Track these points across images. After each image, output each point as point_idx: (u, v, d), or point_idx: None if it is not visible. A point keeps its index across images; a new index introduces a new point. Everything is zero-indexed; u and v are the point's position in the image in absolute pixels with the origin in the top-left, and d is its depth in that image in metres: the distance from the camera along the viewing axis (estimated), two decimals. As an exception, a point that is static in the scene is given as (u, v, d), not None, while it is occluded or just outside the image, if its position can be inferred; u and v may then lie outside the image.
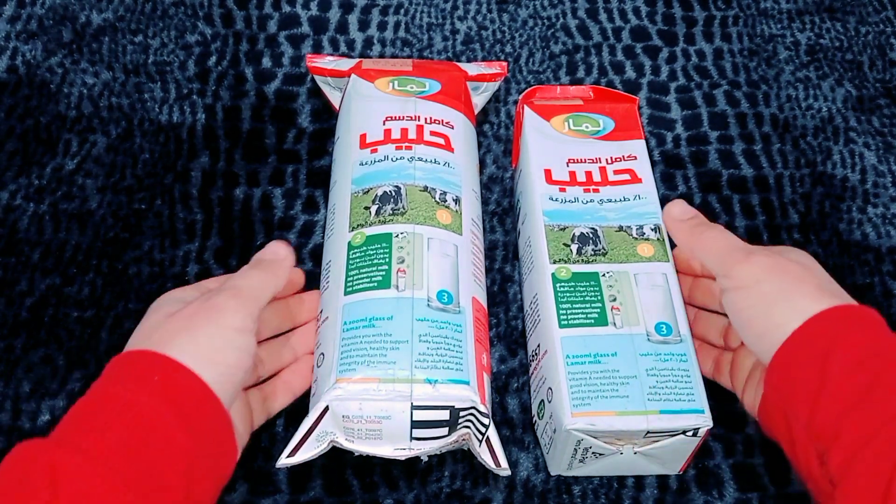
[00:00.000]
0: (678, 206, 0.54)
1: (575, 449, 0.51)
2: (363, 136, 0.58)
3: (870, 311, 0.45)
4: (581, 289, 0.54)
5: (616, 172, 0.60)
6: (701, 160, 0.70)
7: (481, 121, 0.71)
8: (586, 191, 0.59)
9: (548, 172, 0.60)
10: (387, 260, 0.52)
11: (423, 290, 0.51)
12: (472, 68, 0.67)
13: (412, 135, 0.58)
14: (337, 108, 0.66)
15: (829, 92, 0.74)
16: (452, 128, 0.60)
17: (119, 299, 0.61)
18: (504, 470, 0.50)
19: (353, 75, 0.63)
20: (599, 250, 0.56)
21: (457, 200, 0.56)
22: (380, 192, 0.55)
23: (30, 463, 0.39)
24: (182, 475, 0.41)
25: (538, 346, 0.54)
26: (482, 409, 0.49)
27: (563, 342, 0.52)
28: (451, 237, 0.54)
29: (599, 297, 0.53)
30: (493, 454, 0.50)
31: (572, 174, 0.60)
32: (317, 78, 0.68)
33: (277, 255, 0.52)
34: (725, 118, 0.72)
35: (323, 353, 0.51)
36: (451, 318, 0.51)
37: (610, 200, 0.58)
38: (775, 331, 0.45)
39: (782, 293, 0.46)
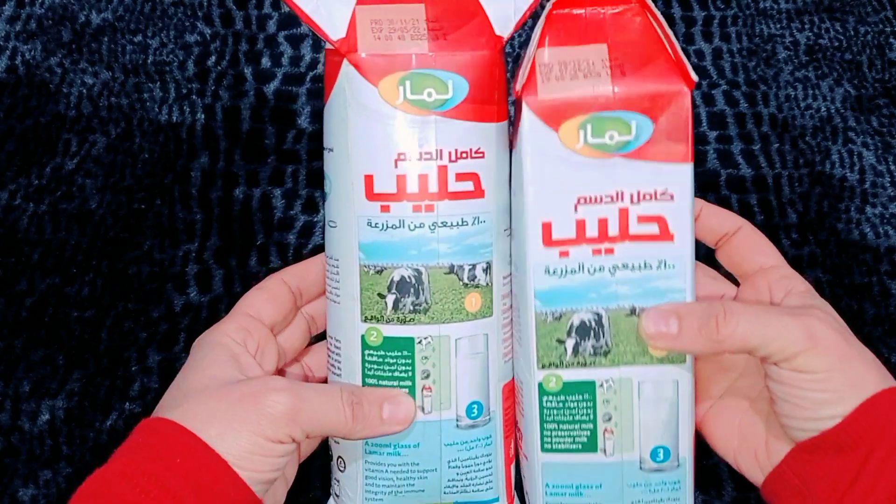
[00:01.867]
0: (650, 319, 0.43)
1: None
2: (369, 180, 0.45)
3: None
4: (571, 405, 0.45)
5: (641, 220, 0.44)
6: (699, 160, 0.70)
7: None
8: (596, 252, 0.44)
9: (547, 228, 0.44)
10: (409, 374, 0.45)
11: (452, 409, 0.46)
12: (502, 15, 0.47)
13: (433, 186, 0.45)
14: (314, 24, 0.47)
15: (828, 92, 0.75)
16: (483, 156, 0.46)
17: (119, 299, 0.61)
18: None
19: (345, 64, 0.46)
20: (601, 347, 0.45)
21: (487, 269, 0.47)
22: (397, 277, 0.46)
23: None
24: None
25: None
26: None
27: (544, 469, 0.46)
28: (480, 327, 0.46)
29: (592, 418, 0.45)
30: None
31: (580, 225, 0.44)
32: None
33: (392, 417, 0.44)
34: (724, 118, 0.72)
35: (342, 458, 0.47)
36: (480, 432, 0.47)
37: (625, 266, 0.44)
38: (825, 412, 0.41)
39: (849, 384, 0.41)
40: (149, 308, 0.61)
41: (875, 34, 0.79)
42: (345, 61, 0.46)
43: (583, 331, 0.45)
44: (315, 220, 0.66)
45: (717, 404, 0.47)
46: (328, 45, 0.47)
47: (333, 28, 0.46)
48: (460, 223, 0.46)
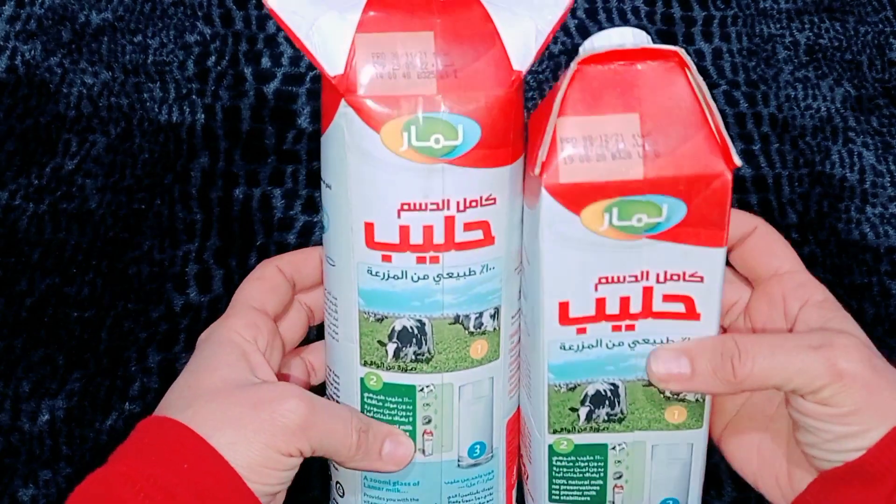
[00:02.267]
0: (659, 360, 0.40)
1: None
2: (370, 228, 0.42)
3: None
4: (582, 464, 0.44)
5: (666, 299, 0.41)
6: (700, 160, 0.70)
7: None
8: (616, 328, 0.41)
9: (564, 307, 0.41)
10: (410, 420, 0.44)
11: (453, 451, 0.44)
12: (521, 43, 0.41)
13: (439, 237, 0.41)
14: (300, 40, 0.41)
15: (828, 92, 0.75)
16: (495, 202, 0.42)
17: (119, 299, 0.61)
18: None
19: (343, 105, 0.40)
20: (615, 415, 0.42)
21: (495, 314, 0.44)
22: (398, 327, 0.43)
23: None
24: None
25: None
26: None
27: None
28: (486, 372, 0.44)
29: (602, 475, 0.44)
30: None
31: (600, 303, 0.41)
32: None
33: (390, 455, 0.43)
34: (724, 118, 0.72)
35: (341, 484, 0.46)
36: (482, 469, 0.46)
37: (646, 341, 0.41)
38: (850, 444, 0.39)
39: (876, 416, 0.39)
40: (149, 308, 0.61)
41: (875, 34, 0.79)
42: (342, 104, 0.41)
43: (597, 399, 0.42)
44: (315, 220, 0.66)
45: (733, 422, 0.45)
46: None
47: (330, 61, 0.40)
48: (467, 273, 0.42)
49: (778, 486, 0.43)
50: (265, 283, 0.46)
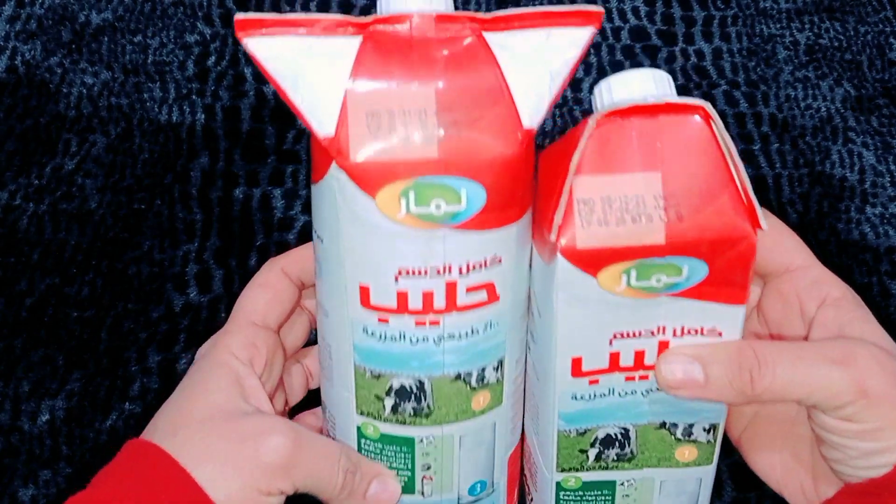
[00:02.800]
0: (670, 364, 0.39)
1: None
2: (365, 291, 0.39)
3: None
4: (590, 498, 0.43)
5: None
6: (700, 160, 0.70)
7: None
8: (630, 378, 0.40)
9: (577, 362, 0.40)
10: (409, 466, 0.42)
11: (453, 491, 0.43)
12: (534, 94, 0.36)
13: (439, 302, 0.38)
14: (286, 95, 0.37)
15: (828, 92, 0.75)
16: (500, 262, 0.39)
17: (119, 299, 0.61)
18: None
19: (334, 168, 0.36)
20: (625, 455, 0.42)
21: (498, 366, 0.41)
22: (396, 385, 0.40)
23: None
24: None
25: None
26: None
27: None
28: (488, 420, 0.42)
29: None
30: None
31: (614, 357, 0.40)
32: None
33: (375, 497, 0.42)
34: (724, 118, 0.72)
35: None
36: None
37: (660, 389, 0.40)
38: (877, 461, 0.38)
39: None
40: (149, 308, 0.61)
41: (875, 34, 0.79)
42: (332, 167, 0.37)
43: (607, 442, 0.41)
44: (315, 220, 0.66)
45: (752, 426, 0.43)
46: None
47: (319, 121, 0.36)
48: (469, 333, 0.40)
49: (803, 494, 0.42)
50: (268, 291, 0.44)
